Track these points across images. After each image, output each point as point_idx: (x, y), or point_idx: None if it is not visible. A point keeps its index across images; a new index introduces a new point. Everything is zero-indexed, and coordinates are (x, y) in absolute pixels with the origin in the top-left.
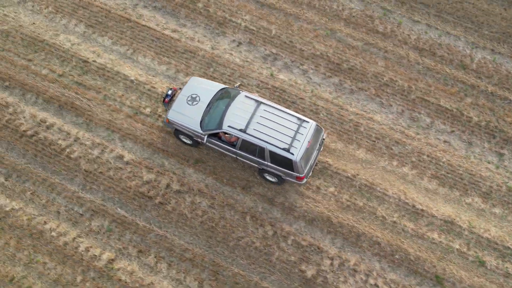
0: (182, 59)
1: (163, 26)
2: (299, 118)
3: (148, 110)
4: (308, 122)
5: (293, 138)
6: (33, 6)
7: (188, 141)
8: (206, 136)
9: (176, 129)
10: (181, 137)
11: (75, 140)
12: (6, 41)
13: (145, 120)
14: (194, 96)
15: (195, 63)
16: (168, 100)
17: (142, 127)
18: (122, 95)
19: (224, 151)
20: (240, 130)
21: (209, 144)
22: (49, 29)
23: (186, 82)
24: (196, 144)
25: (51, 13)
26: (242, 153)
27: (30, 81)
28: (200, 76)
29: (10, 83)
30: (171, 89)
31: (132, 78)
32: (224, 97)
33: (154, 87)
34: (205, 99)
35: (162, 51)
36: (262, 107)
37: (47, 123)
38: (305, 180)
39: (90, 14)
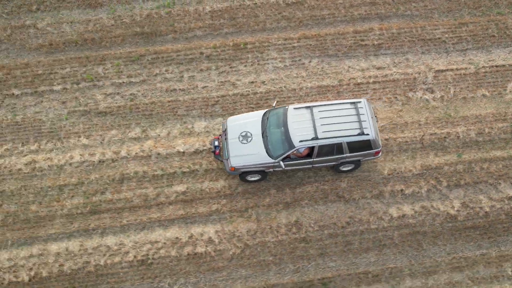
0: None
1: None
2: (351, 103)
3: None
4: (360, 101)
5: (359, 121)
6: None
7: (256, 178)
8: (281, 161)
9: (242, 173)
10: (248, 177)
11: None
12: None
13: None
14: (243, 134)
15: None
16: (218, 151)
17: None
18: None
19: (302, 166)
20: (312, 139)
21: (287, 168)
22: None
23: (223, 127)
24: (265, 177)
25: None
26: (321, 158)
27: None
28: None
29: None
30: (215, 140)
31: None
32: (273, 120)
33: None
34: (256, 130)
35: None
36: (315, 110)
37: None
38: (380, 152)
39: None
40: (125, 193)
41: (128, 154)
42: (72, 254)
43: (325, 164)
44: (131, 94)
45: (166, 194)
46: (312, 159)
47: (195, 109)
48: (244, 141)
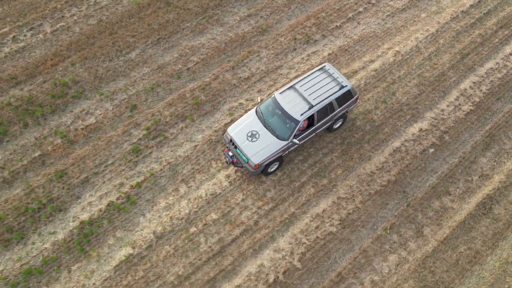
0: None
1: None
2: (320, 69)
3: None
4: (325, 65)
5: (334, 79)
6: None
7: (276, 166)
8: (296, 140)
9: (265, 167)
10: (270, 168)
11: None
12: None
13: None
14: (249, 134)
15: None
16: (236, 160)
17: None
18: None
19: (311, 135)
20: (309, 108)
21: (301, 142)
22: None
23: (227, 138)
24: (282, 162)
25: None
26: (321, 121)
27: None
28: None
29: None
30: (227, 152)
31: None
32: (266, 112)
33: None
34: (258, 127)
35: None
36: (297, 86)
37: None
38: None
39: None
40: None
41: None
42: None
43: (324, 126)
44: None
45: None
46: (314, 126)
47: None
48: (254, 139)
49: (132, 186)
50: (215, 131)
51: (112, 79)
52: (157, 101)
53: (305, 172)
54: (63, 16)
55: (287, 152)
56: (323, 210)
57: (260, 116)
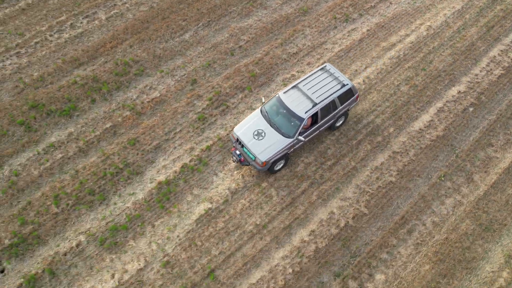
0: None
1: None
2: (321, 69)
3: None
4: (326, 65)
5: (336, 78)
6: None
7: (282, 163)
8: (301, 137)
9: (271, 164)
10: (276, 166)
11: None
12: None
13: None
14: (255, 133)
15: None
16: (243, 158)
17: None
18: None
19: (315, 132)
20: (313, 106)
21: (306, 139)
22: None
23: (234, 138)
24: (287, 160)
25: None
26: (324, 119)
27: None
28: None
29: None
30: (234, 151)
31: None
32: (271, 111)
33: None
34: (264, 124)
35: None
36: (301, 85)
37: None
38: (358, 96)
39: None
40: None
41: None
42: None
43: (327, 124)
44: None
45: None
46: (318, 124)
47: None
48: (260, 138)
49: (202, 149)
50: None
51: (170, 58)
52: (215, 75)
53: (360, 131)
54: (115, 4)
55: (292, 150)
56: (381, 163)
57: (265, 115)
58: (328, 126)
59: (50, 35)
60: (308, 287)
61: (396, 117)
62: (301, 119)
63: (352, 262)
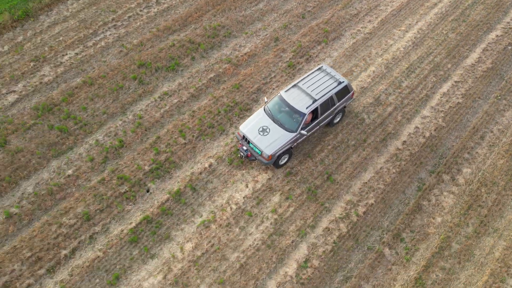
0: None
1: None
2: (318, 69)
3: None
4: (321, 66)
5: (332, 77)
6: None
7: (286, 158)
8: (304, 131)
9: (277, 158)
10: (281, 161)
11: None
12: None
13: None
14: (260, 129)
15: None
16: (250, 154)
17: None
18: None
19: (317, 127)
20: (313, 102)
21: (309, 133)
22: None
23: (239, 136)
24: (291, 154)
25: None
26: (324, 115)
27: None
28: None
29: None
30: (241, 147)
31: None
32: (274, 108)
33: None
34: (267, 121)
35: None
36: (301, 84)
37: None
38: (354, 94)
39: None
40: None
41: None
42: None
43: (326, 120)
44: None
45: None
46: (318, 119)
47: None
48: (265, 133)
49: None
50: (346, 48)
51: (250, 23)
52: (292, 34)
53: (424, 68)
54: None
55: (295, 144)
56: (447, 90)
57: (268, 113)
58: (327, 122)
59: (140, 10)
60: (410, 182)
61: (450, 56)
62: (302, 114)
63: (442, 162)
